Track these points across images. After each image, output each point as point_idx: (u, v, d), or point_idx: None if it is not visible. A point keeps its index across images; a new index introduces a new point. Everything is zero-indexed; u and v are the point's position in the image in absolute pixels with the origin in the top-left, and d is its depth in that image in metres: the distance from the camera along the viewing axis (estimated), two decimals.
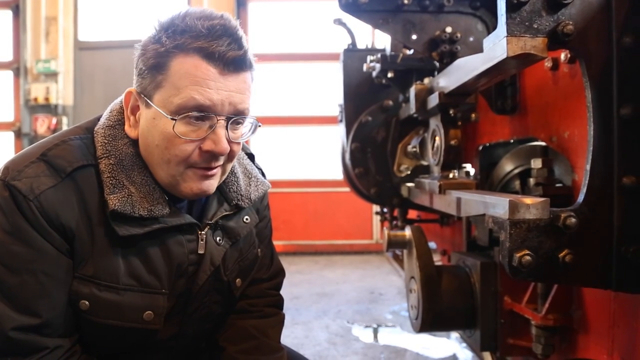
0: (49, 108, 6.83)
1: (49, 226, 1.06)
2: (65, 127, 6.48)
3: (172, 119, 1.08)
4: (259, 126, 1.22)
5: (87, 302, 1.11)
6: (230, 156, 1.18)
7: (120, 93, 1.22)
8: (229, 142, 1.14)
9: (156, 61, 1.09)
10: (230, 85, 1.10)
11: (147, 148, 1.16)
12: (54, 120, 6.79)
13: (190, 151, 1.11)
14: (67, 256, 1.10)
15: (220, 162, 1.17)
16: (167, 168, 1.13)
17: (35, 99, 6.79)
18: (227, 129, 1.12)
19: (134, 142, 1.18)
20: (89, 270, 1.11)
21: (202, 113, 1.09)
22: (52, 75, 6.86)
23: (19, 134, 6.98)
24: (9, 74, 7.11)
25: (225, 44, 1.08)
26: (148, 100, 1.12)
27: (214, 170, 1.16)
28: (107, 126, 1.19)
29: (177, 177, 1.14)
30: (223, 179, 1.24)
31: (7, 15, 7.10)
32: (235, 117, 1.13)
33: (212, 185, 1.18)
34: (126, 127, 1.19)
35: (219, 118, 1.10)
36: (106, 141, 1.16)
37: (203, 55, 1.07)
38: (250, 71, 1.17)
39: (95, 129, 1.19)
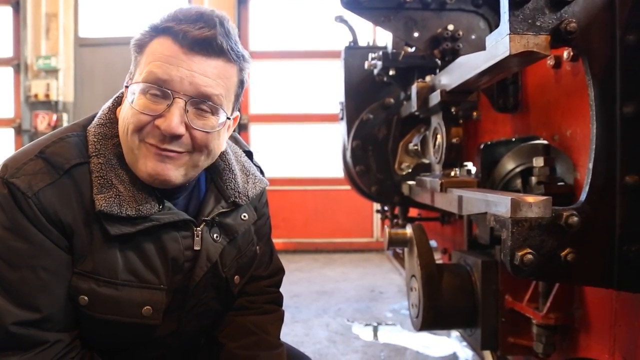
0: (49, 105, 6.83)
1: (47, 223, 1.07)
2: (65, 124, 6.50)
3: (126, 86, 1.11)
4: (229, 119, 1.20)
5: (86, 298, 1.11)
6: (197, 146, 1.13)
7: (120, 90, 1.23)
8: (191, 128, 1.11)
9: (137, 44, 1.14)
10: (195, 66, 1.09)
11: (120, 125, 1.16)
12: (54, 117, 6.79)
13: (144, 122, 1.09)
14: (66, 252, 1.10)
15: (177, 147, 1.11)
16: (126, 140, 1.13)
17: (36, 96, 6.79)
18: (185, 111, 1.10)
19: None
20: (88, 266, 1.11)
21: (158, 87, 1.08)
22: (52, 72, 6.85)
23: (19, 131, 6.97)
24: (9, 71, 7.10)
25: (197, 27, 1.08)
26: (130, 81, 1.15)
27: (172, 153, 1.11)
28: (98, 124, 1.19)
29: (134, 152, 1.12)
30: (194, 173, 1.19)
31: (7, 11, 7.10)
32: (195, 98, 1.10)
33: (169, 170, 1.12)
34: (117, 109, 1.21)
35: (175, 96, 1.08)
36: (96, 140, 1.16)
37: (171, 35, 1.09)
38: (230, 62, 1.14)
39: (88, 127, 1.20)
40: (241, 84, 1.21)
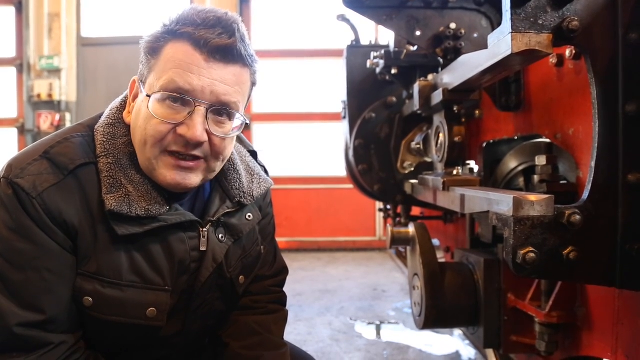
0: (52, 104, 6.84)
1: (52, 223, 1.07)
2: (68, 124, 6.54)
3: (147, 95, 1.10)
4: (247, 123, 1.21)
5: (90, 299, 1.11)
6: (215, 152, 1.16)
7: (123, 89, 1.23)
8: (210, 134, 1.12)
9: (150, 46, 1.12)
10: (215, 74, 1.10)
11: (133, 132, 1.16)
12: (57, 117, 6.81)
13: (165, 132, 1.10)
14: (70, 253, 1.10)
15: (199, 153, 1.13)
16: (144, 150, 1.13)
17: (39, 96, 6.81)
18: (206, 118, 1.11)
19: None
20: (93, 267, 1.11)
21: (179, 95, 1.08)
22: (55, 72, 6.87)
23: (22, 130, 7.00)
24: (12, 71, 7.13)
25: (216, 33, 1.08)
26: (141, 85, 1.14)
27: (191, 163, 1.14)
28: (106, 124, 1.19)
29: (152, 161, 1.13)
30: (210, 177, 1.22)
31: (10, 11, 7.11)
32: (216, 106, 1.11)
33: (189, 178, 1.15)
34: (125, 113, 1.21)
35: (197, 104, 1.09)
36: (105, 140, 1.16)
37: (191, 42, 1.08)
38: (245, 67, 1.15)
39: (96, 127, 1.19)
40: (253, 85, 1.22)
